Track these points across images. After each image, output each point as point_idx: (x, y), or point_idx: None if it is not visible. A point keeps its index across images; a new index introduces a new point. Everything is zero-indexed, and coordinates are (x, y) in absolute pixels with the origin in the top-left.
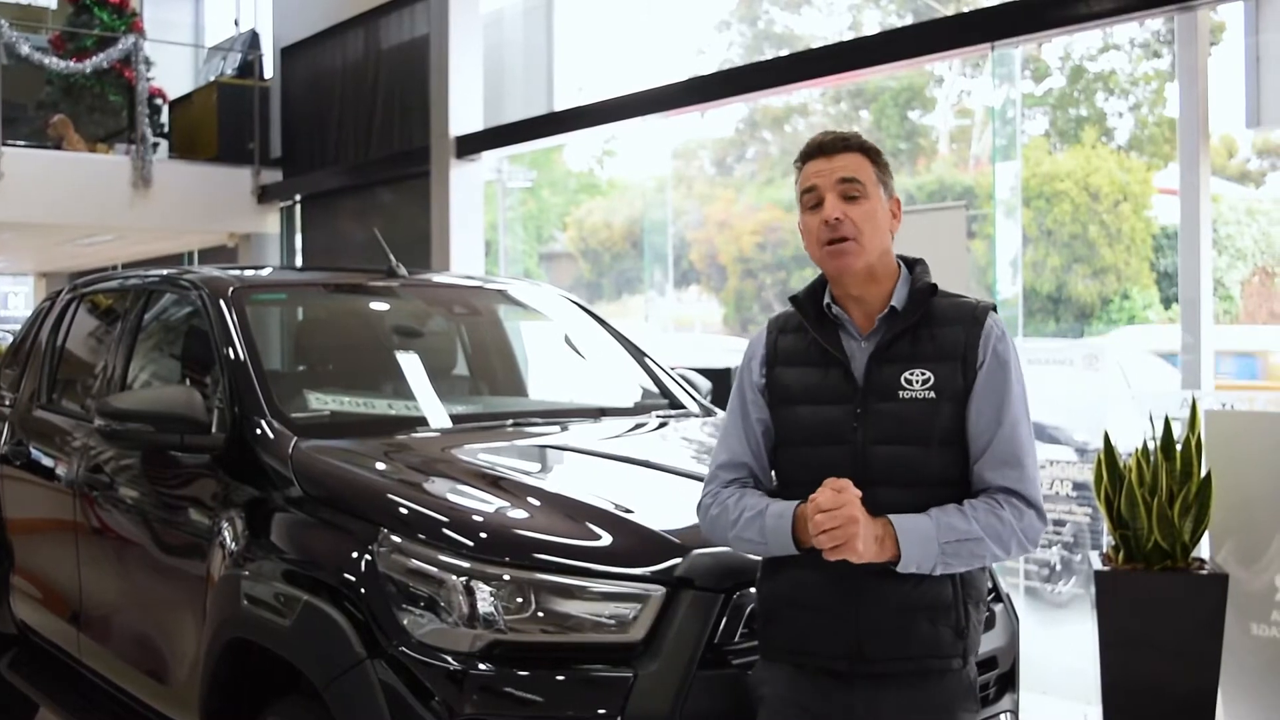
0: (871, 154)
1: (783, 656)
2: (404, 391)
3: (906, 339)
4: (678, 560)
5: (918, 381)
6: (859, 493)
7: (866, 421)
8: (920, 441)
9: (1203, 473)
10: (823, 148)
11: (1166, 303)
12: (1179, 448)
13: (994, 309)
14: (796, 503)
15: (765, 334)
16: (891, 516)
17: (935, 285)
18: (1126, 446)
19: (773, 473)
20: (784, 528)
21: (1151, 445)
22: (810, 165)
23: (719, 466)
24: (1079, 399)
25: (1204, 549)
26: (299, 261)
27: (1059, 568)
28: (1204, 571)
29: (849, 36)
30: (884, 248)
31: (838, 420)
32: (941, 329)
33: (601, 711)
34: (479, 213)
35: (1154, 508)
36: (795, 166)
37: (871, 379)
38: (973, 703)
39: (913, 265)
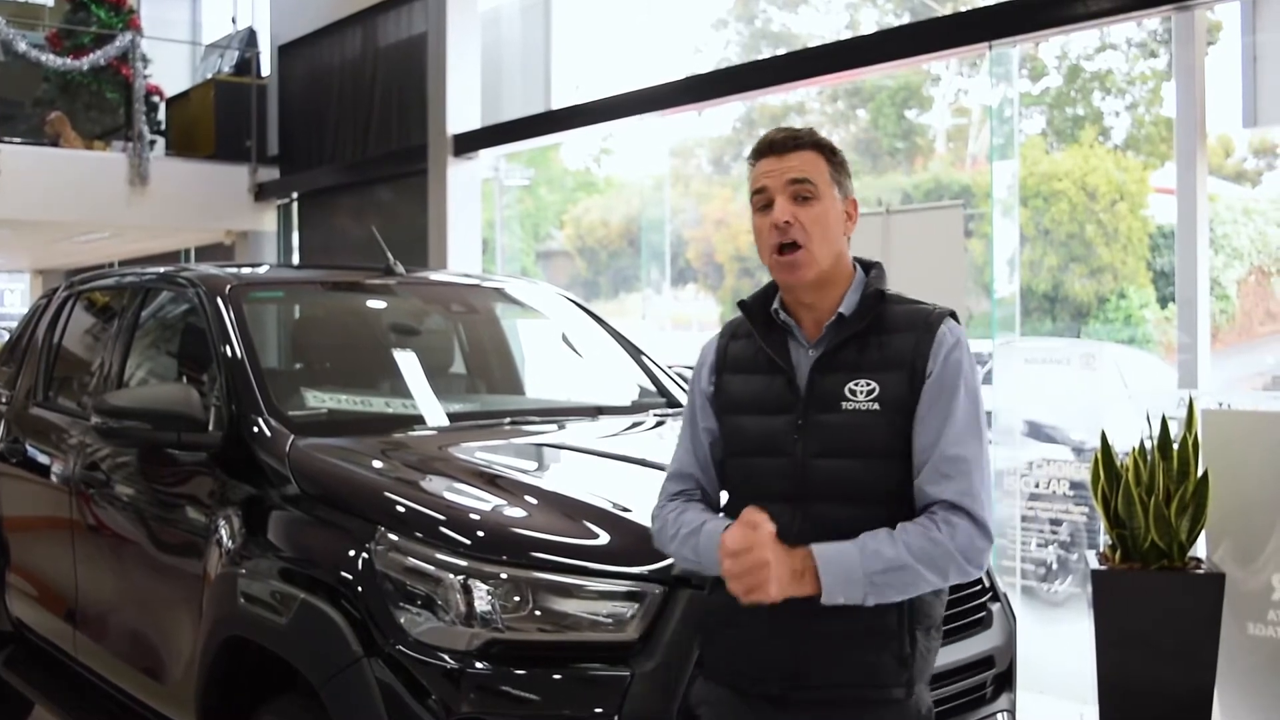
0: (826, 152)
1: (721, 677)
2: (401, 390)
3: (853, 347)
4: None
5: (862, 392)
6: (772, 528)
7: (806, 433)
8: (861, 455)
9: (1200, 472)
10: (774, 145)
11: (1163, 302)
12: (1176, 447)
13: (952, 315)
14: (727, 524)
15: (718, 339)
16: (814, 547)
17: (884, 291)
18: (1123, 446)
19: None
20: (714, 548)
21: (1149, 444)
22: (762, 164)
23: (668, 477)
24: (1076, 398)
25: (1201, 548)
26: (296, 259)
27: (1055, 567)
28: (1201, 571)
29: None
30: (837, 252)
31: (778, 431)
32: (891, 337)
33: (598, 710)
34: (476, 211)
35: (1151, 507)
36: (748, 163)
37: (814, 389)
38: None
39: (869, 268)
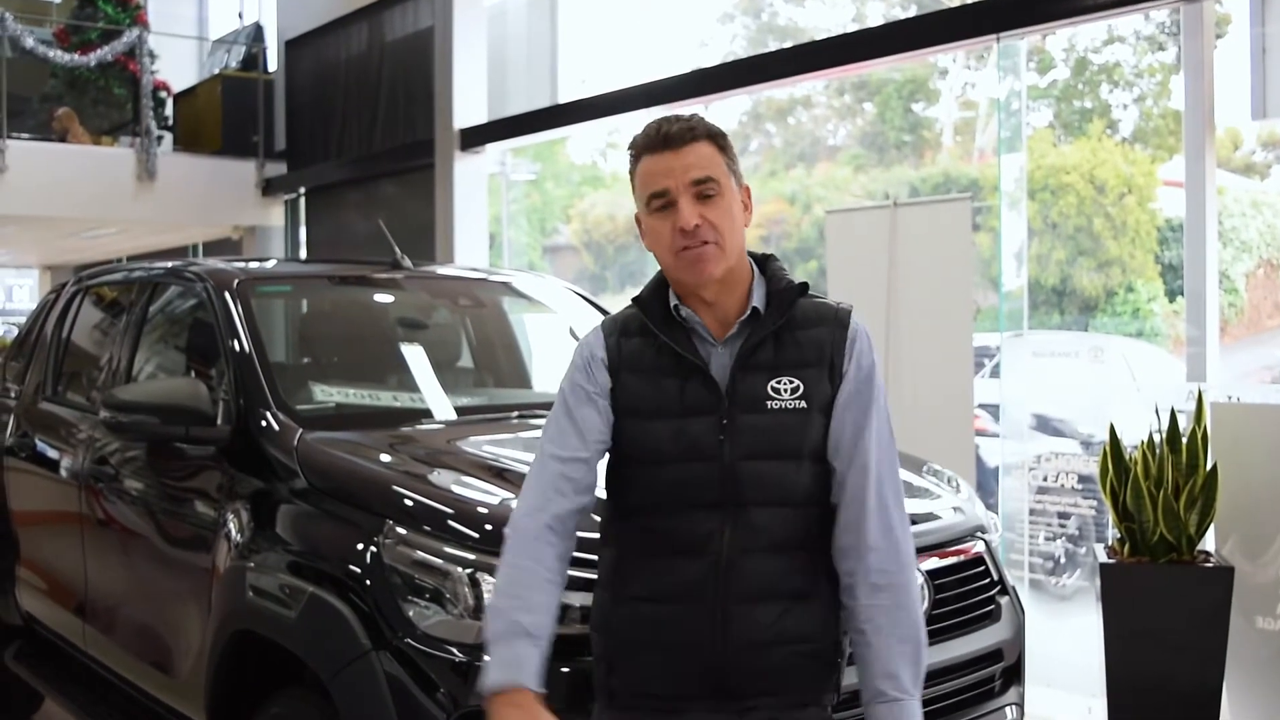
0: (719, 141)
1: (629, 702)
2: (409, 383)
3: (769, 344)
4: None
5: (786, 390)
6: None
7: (732, 435)
8: (792, 456)
9: (1208, 465)
10: (670, 140)
11: (1172, 295)
12: (1185, 440)
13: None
14: (520, 684)
15: (603, 337)
16: None
17: (805, 284)
18: (1132, 439)
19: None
20: (486, 682)
21: (1157, 438)
22: (656, 161)
23: (547, 485)
24: (1084, 392)
25: (1209, 542)
26: (303, 254)
27: (1064, 560)
28: (1209, 564)
29: (853, 28)
30: (741, 247)
31: (701, 434)
32: (806, 332)
33: None
34: (483, 205)
35: (1159, 501)
36: (630, 155)
37: (737, 388)
38: None
39: (764, 262)
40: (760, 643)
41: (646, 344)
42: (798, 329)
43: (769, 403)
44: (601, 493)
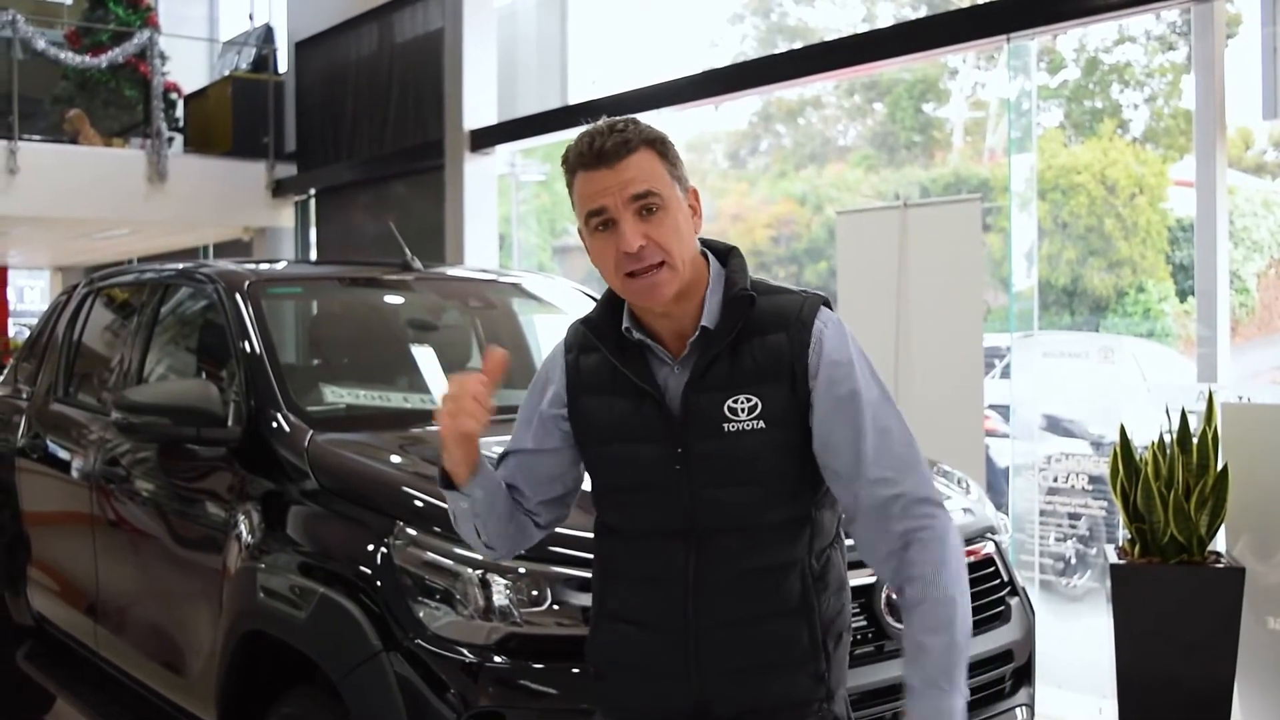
0: (658, 146)
1: (617, 715)
2: (419, 384)
3: (724, 359)
4: None
5: (743, 410)
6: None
7: (689, 463)
8: (756, 481)
9: (1219, 466)
10: (604, 155)
11: (1183, 295)
12: (1195, 441)
13: (825, 303)
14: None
15: (562, 354)
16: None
17: (748, 292)
18: (1142, 440)
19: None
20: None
21: (1168, 438)
22: (592, 180)
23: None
24: (1094, 392)
25: (1220, 543)
26: (314, 255)
27: (1074, 561)
28: (1220, 565)
29: (863, 29)
30: (692, 257)
31: (656, 461)
32: (763, 339)
33: None
34: (493, 206)
35: (1170, 501)
36: (565, 170)
37: (690, 412)
38: None
39: (725, 258)
40: (736, 668)
41: (602, 362)
42: (757, 335)
43: (725, 425)
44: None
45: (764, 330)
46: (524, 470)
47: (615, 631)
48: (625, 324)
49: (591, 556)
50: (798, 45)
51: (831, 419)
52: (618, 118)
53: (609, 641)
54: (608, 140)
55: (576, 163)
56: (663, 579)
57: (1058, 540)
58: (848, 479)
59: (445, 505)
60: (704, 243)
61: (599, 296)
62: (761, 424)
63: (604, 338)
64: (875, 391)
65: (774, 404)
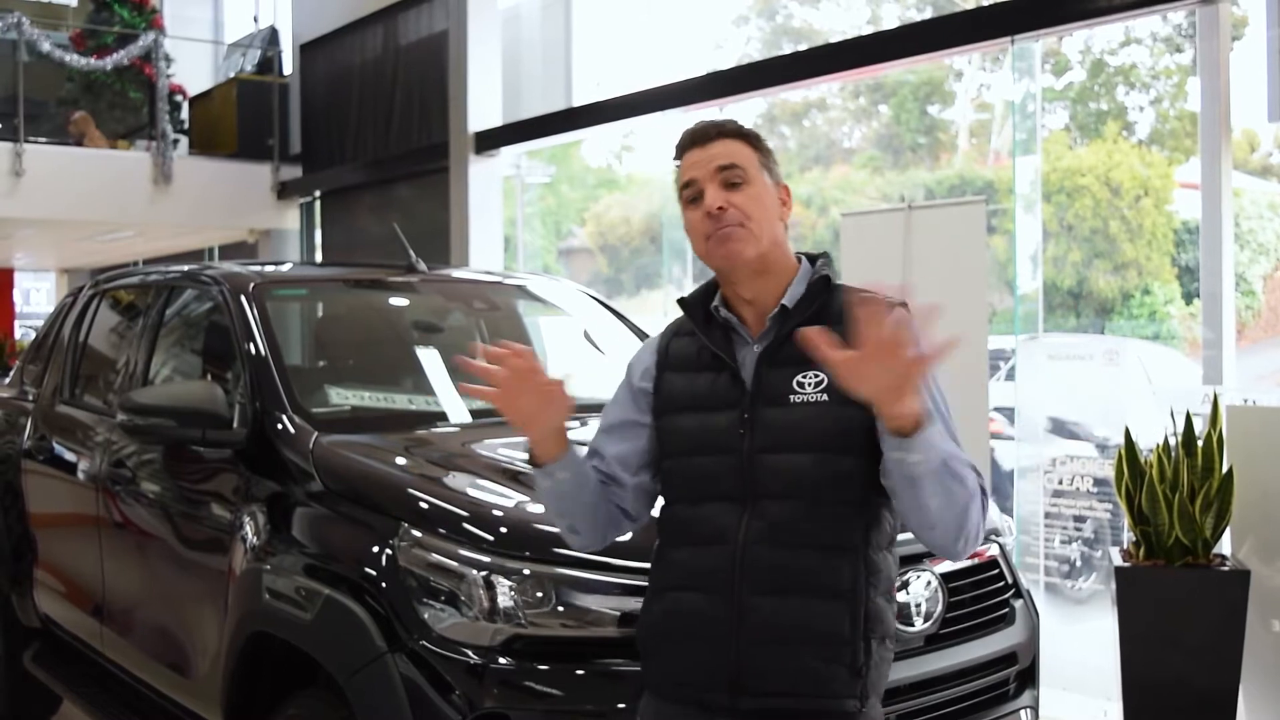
0: (751, 140)
1: (665, 691)
2: (424, 386)
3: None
4: None
5: (810, 384)
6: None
7: (753, 428)
8: (811, 449)
9: (1224, 469)
10: (696, 138)
11: (1188, 298)
12: (1200, 443)
13: (903, 306)
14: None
15: (658, 339)
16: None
17: (830, 279)
18: (1147, 442)
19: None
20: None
21: (1173, 441)
22: (687, 157)
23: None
24: (1099, 394)
25: (1225, 545)
26: (319, 257)
27: (1079, 564)
28: (1225, 568)
29: (868, 31)
30: (775, 237)
31: (723, 428)
32: (841, 326)
33: (621, 705)
34: (498, 208)
35: (1175, 504)
36: (674, 163)
37: (761, 383)
38: None
39: (815, 260)
40: (776, 638)
41: (692, 343)
42: (834, 324)
43: (792, 396)
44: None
45: (842, 319)
46: (614, 445)
47: (666, 600)
48: (714, 303)
49: (593, 559)
50: (803, 47)
51: None
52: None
53: (659, 611)
54: (703, 126)
55: (678, 147)
56: (715, 542)
57: (1062, 543)
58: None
59: (449, 507)
60: (802, 253)
61: (602, 299)
62: (825, 397)
63: (694, 314)
64: (935, 393)
65: (838, 382)
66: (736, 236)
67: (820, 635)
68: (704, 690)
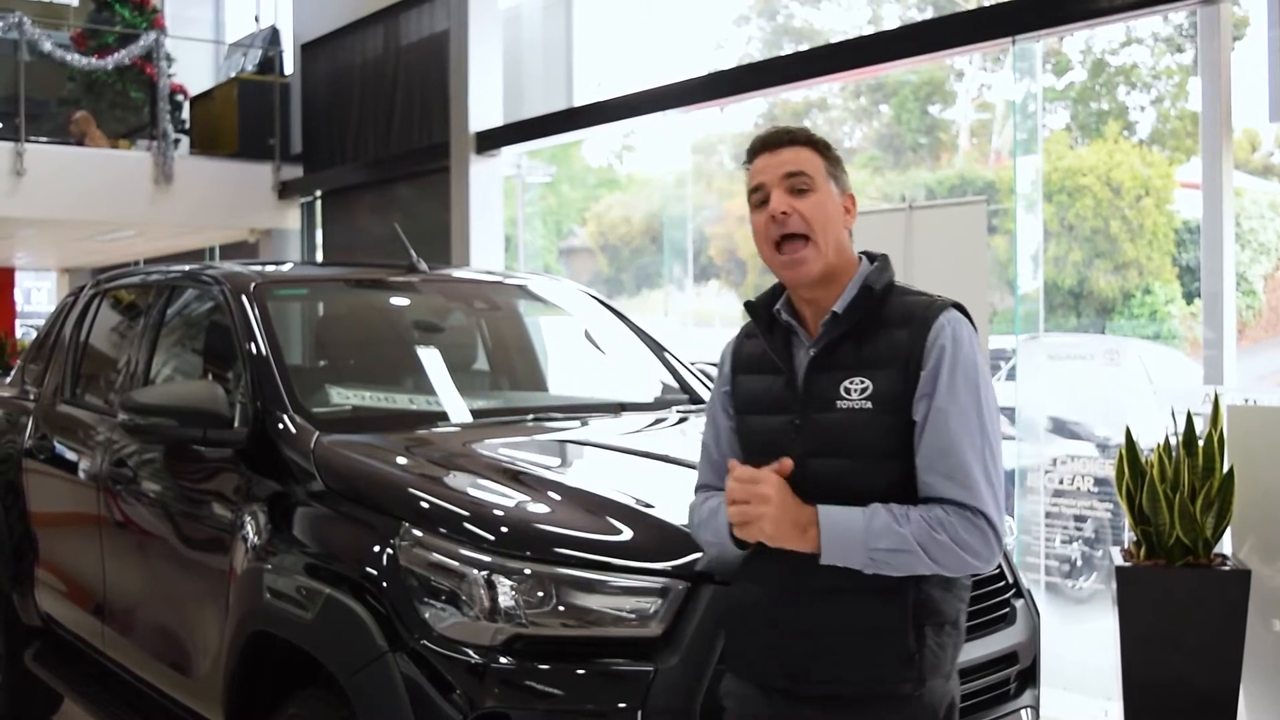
0: (820, 148)
1: (741, 671)
2: (425, 386)
3: (850, 344)
4: (698, 555)
5: (856, 390)
6: (780, 471)
7: (803, 433)
8: (858, 455)
9: (1225, 468)
10: (767, 143)
11: (1189, 297)
12: (1201, 443)
13: (956, 306)
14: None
15: (734, 341)
16: (820, 508)
17: (874, 286)
18: (1148, 442)
19: None
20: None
21: (1174, 440)
22: (756, 162)
23: (698, 474)
24: (1100, 394)
25: (1226, 545)
26: (319, 257)
27: (1080, 563)
28: (1226, 567)
29: (869, 31)
30: (839, 244)
31: (777, 431)
32: (889, 332)
33: (622, 705)
34: (498, 208)
35: (1176, 503)
36: (744, 167)
37: (811, 388)
38: None
39: (874, 261)
40: (828, 632)
41: (758, 345)
42: (883, 329)
43: (838, 402)
44: None
45: (891, 324)
46: (723, 449)
47: (736, 590)
48: (777, 306)
49: (596, 558)
50: (803, 47)
51: (924, 404)
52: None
53: (735, 597)
54: (774, 133)
55: (749, 152)
56: None
57: (1063, 542)
58: (921, 452)
59: (450, 506)
60: (865, 252)
61: (603, 299)
62: (869, 405)
63: (758, 318)
64: (967, 399)
65: (884, 389)
66: (802, 259)
67: (870, 628)
68: (766, 676)
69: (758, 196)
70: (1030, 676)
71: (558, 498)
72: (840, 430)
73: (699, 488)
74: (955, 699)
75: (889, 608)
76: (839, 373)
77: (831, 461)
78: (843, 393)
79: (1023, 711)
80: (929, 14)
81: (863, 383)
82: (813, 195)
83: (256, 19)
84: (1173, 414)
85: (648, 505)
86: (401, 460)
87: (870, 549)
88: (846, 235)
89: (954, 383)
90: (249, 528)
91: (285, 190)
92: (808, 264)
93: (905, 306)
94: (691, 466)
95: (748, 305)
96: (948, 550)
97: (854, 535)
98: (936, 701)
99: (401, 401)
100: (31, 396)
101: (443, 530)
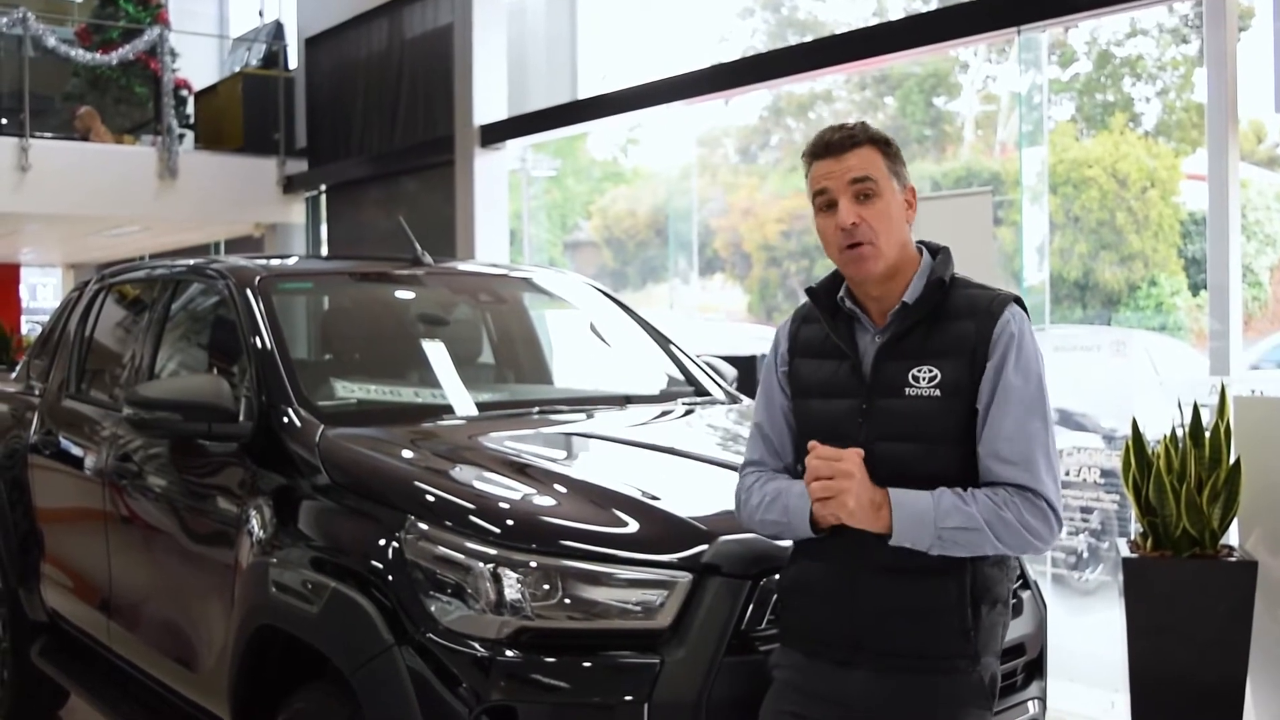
0: (881, 145)
1: (794, 642)
2: (430, 379)
3: (918, 333)
4: (704, 547)
5: (924, 378)
6: (861, 453)
7: (870, 418)
8: (924, 440)
9: (1232, 459)
10: (830, 147)
11: (1195, 289)
12: (1208, 434)
13: (1017, 300)
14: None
15: (789, 323)
16: (891, 490)
17: (944, 279)
18: (1155, 433)
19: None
20: (804, 507)
21: (1180, 432)
22: (819, 166)
23: (746, 463)
24: (1106, 385)
25: (1233, 536)
26: (324, 251)
27: (1086, 555)
28: (1233, 559)
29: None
30: (902, 242)
31: (843, 416)
32: (955, 323)
33: (628, 697)
34: (503, 201)
35: (1182, 494)
36: (803, 161)
37: (879, 374)
38: (983, 702)
39: (936, 253)
40: (887, 610)
41: (818, 330)
42: (950, 320)
43: (907, 389)
44: None
45: (957, 316)
46: (774, 435)
47: (802, 564)
48: (840, 294)
49: (602, 551)
50: (807, 39)
51: (988, 394)
52: (852, 121)
53: (795, 572)
54: (836, 135)
55: (810, 153)
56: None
57: (1070, 534)
58: (986, 440)
59: (455, 499)
60: (922, 243)
61: (608, 292)
62: (937, 393)
63: (820, 304)
64: (1030, 389)
65: (952, 378)
66: (866, 256)
67: (929, 607)
68: (828, 646)
69: (823, 200)
70: (1037, 668)
71: (563, 490)
72: (908, 416)
73: (747, 464)
74: (998, 675)
75: (948, 585)
76: (908, 361)
77: (898, 446)
78: (911, 380)
79: (1030, 703)
80: (933, 5)
81: (931, 371)
82: (878, 202)
83: (260, 13)
84: (1179, 405)
85: (654, 498)
86: (407, 453)
87: (940, 528)
88: (908, 230)
89: (1018, 373)
90: (254, 522)
91: (290, 185)
92: (872, 263)
93: (969, 299)
94: (698, 459)
95: (809, 291)
96: (1013, 529)
97: (924, 515)
98: (987, 677)
99: (406, 395)
100: (37, 392)
101: (448, 523)
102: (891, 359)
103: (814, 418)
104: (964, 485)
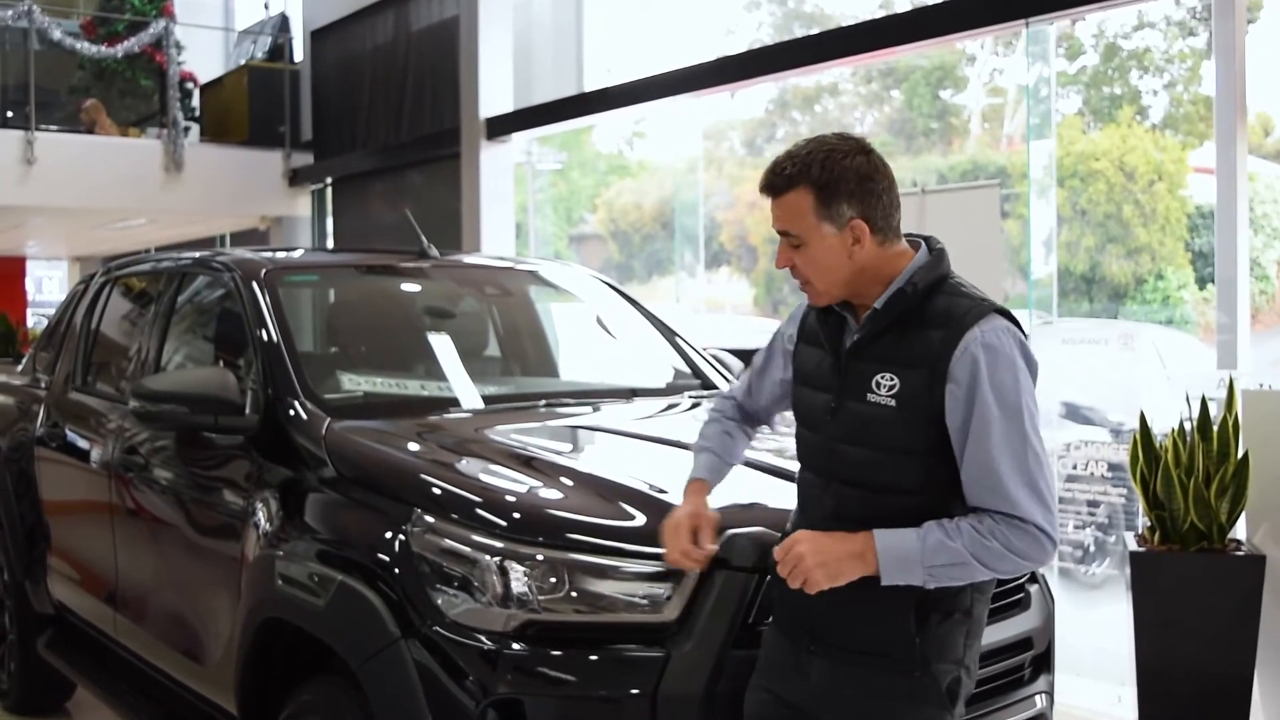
0: (815, 185)
1: (778, 623)
2: (436, 372)
3: (889, 339)
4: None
5: (884, 386)
6: (804, 533)
7: (836, 417)
8: (878, 448)
9: (1240, 453)
10: (768, 187)
11: (1202, 282)
12: (1216, 428)
13: (998, 311)
14: (695, 477)
15: (801, 309)
16: (876, 533)
17: (911, 286)
18: (1162, 427)
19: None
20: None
21: (1188, 425)
22: (769, 203)
23: (726, 394)
24: (1114, 379)
25: (1241, 530)
26: (330, 244)
27: (1093, 549)
28: (1240, 553)
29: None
30: (845, 278)
31: (819, 410)
32: (926, 332)
33: (635, 691)
34: (509, 194)
35: (1190, 488)
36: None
37: (847, 376)
38: (941, 706)
39: (932, 253)
40: (840, 605)
41: (817, 321)
42: (922, 327)
43: (869, 395)
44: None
45: (930, 324)
46: (763, 395)
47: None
48: None
49: (609, 544)
50: (814, 31)
51: (954, 415)
52: (805, 147)
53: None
54: (773, 175)
55: (759, 185)
56: (807, 509)
57: (1077, 528)
58: (961, 463)
59: (462, 492)
60: (923, 238)
61: (614, 285)
62: (893, 403)
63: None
64: (1007, 407)
65: (909, 388)
66: (811, 292)
67: (881, 608)
68: (796, 632)
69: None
70: (1044, 662)
71: (570, 483)
72: (864, 422)
73: (725, 396)
74: (962, 681)
75: (896, 593)
76: (874, 365)
77: (855, 450)
78: (873, 386)
79: (1037, 697)
80: None
81: (891, 380)
82: (806, 250)
83: (266, 6)
84: (1187, 399)
85: (661, 491)
86: (413, 446)
87: (927, 567)
88: (865, 256)
89: (987, 396)
90: (260, 514)
91: (296, 177)
92: (816, 298)
93: (948, 307)
94: None
95: None
96: (1000, 556)
97: (909, 555)
98: (945, 683)
99: (413, 387)
100: (43, 385)
101: (455, 516)
102: (860, 361)
103: (801, 405)
104: (930, 496)
